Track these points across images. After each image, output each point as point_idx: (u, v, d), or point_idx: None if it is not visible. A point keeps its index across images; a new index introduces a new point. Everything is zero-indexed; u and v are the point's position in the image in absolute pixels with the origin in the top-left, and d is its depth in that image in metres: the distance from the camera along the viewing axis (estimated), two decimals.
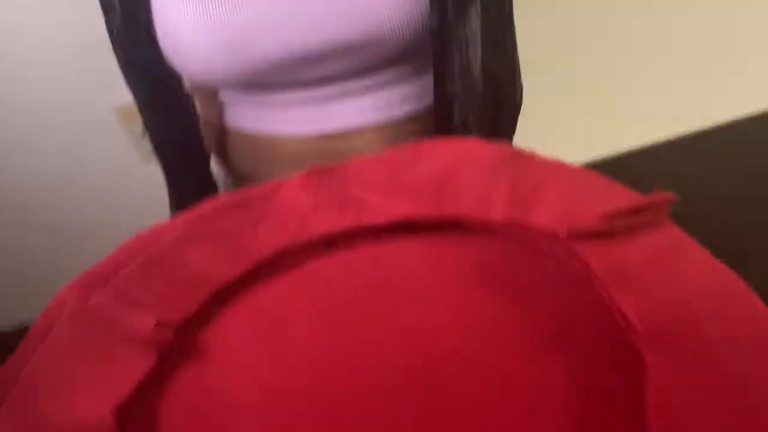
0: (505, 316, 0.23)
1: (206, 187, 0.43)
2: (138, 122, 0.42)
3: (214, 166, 0.45)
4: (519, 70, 0.39)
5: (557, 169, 0.27)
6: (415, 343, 0.23)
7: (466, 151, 0.28)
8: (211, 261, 0.27)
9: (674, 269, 0.22)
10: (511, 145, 0.30)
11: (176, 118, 0.39)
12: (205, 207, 0.30)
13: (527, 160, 0.28)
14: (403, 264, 0.26)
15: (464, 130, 0.37)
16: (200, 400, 0.23)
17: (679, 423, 0.18)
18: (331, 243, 0.28)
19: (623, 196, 0.25)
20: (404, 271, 0.26)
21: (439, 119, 0.37)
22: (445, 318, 0.24)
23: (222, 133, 0.43)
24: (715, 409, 0.18)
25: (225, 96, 0.41)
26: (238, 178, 0.44)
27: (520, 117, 0.41)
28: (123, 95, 0.75)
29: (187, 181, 0.42)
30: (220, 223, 0.28)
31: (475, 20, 0.34)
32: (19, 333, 0.90)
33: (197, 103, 0.42)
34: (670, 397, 0.19)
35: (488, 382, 0.21)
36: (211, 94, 0.43)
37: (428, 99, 0.39)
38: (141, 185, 0.86)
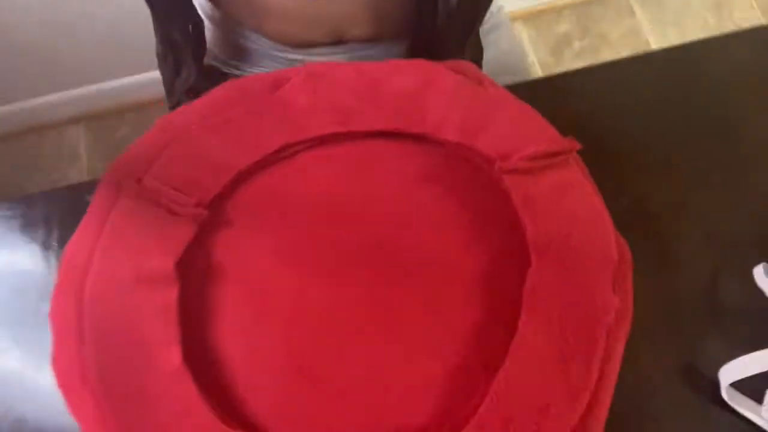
0: (443, 211, 0.33)
1: (191, 18, 0.44)
2: None
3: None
4: None
5: (506, 102, 0.35)
6: (375, 221, 0.33)
7: (432, 76, 0.35)
8: (228, 150, 0.34)
9: (564, 201, 0.32)
10: (475, 70, 0.36)
11: None
12: (218, 95, 0.36)
13: (482, 92, 0.35)
14: (376, 163, 0.35)
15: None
16: (229, 255, 0.33)
17: (542, 300, 0.30)
18: (322, 141, 0.35)
19: (548, 137, 0.33)
20: (376, 169, 0.35)
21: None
22: (399, 208, 0.34)
23: None
24: (567, 292, 0.30)
25: None
26: (225, 16, 0.46)
27: None
28: None
29: (172, 14, 0.43)
30: (232, 114, 0.35)
31: None
32: None
33: None
34: (540, 285, 0.30)
35: (425, 254, 0.32)
36: None
37: None
38: None
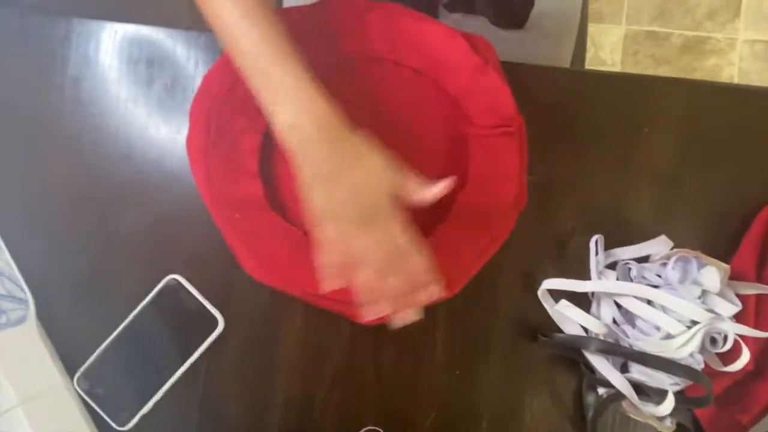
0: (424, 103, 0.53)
1: None
2: None
3: None
4: None
5: (495, 82, 0.52)
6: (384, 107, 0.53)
7: (456, 51, 0.52)
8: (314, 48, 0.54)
9: (498, 155, 0.51)
10: (486, 49, 0.53)
11: None
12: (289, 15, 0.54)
13: (482, 67, 0.52)
14: (390, 80, 0.54)
15: None
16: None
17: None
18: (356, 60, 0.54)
19: (509, 112, 0.52)
20: (388, 81, 0.54)
21: None
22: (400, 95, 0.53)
23: None
24: (484, 197, 0.51)
25: None
26: None
27: None
28: None
29: None
30: (300, 31, 0.54)
31: None
32: None
33: None
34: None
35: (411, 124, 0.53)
36: None
37: None
38: None
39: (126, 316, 0.56)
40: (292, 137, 0.39)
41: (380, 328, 0.54)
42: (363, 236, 0.41)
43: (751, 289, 0.50)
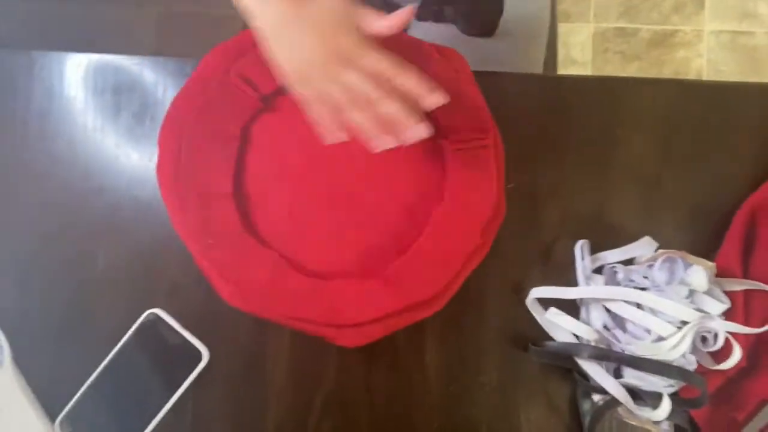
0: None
1: None
2: None
3: None
4: None
5: (466, 94, 0.52)
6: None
7: (428, 65, 0.52)
8: None
9: (474, 170, 0.51)
10: (457, 59, 0.53)
11: None
12: None
13: (455, 78, 0.52)
14: None
15: None
16: (268, 133, 0.53)
17: (444, 217, 0.50)
18: None
19: (482, 124, 0.51)
20: None
21: None
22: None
23: None
24: (458, 223, 0.50)
25: None
26: None
27: None
28: None
29: None
30: None
31: None
32: None
33: None
34: (446, 212, 0.50)
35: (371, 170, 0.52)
36: None
37: None
38: None
39: (106, 355, 0.54)
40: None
41: (370, 350, 0.53)
42: (338, 74, 0.41)
43: (739, 285, 0.50)
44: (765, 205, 0.52)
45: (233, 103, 0.52)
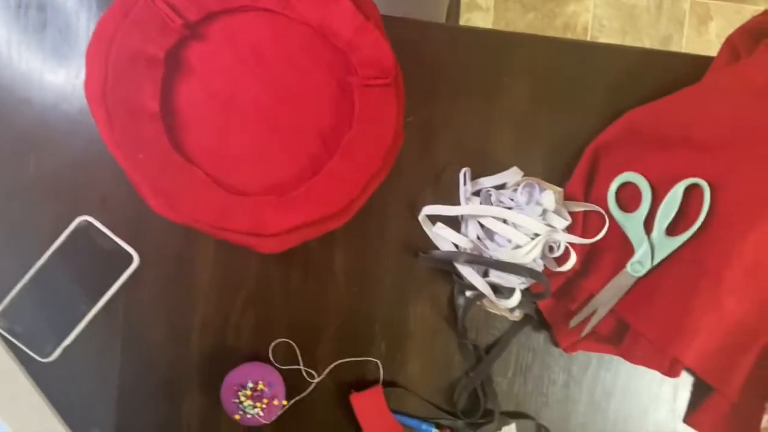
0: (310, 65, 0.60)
1: None
2: None
3: None
4: None
5: (374, 35, 0.60)
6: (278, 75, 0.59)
7: (341, 9, 0.58)
8: None
9: (380, 105, 0.59)
10: (369, 6, 0.60)
11: None
12: None
13: (370, 30, 0.59)
14: (282, 30, 0.60)
15: None
16: (195, 57, 0.57)
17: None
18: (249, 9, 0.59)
19: (388, 64, 0.59)
20: (281, 31, 0.60)
21: None
22: (292, 45, 0.59)
23: None
24: (366, 143, 0.59)
25: None
26: None
27: None
28: None
29: None
30: None
31: None
32: None
33: None
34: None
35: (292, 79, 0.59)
36: None
37: None
38: None
39: (39, 257, 0.59)
40: None
41: (287, 256, 0.62)
42: None
43: (580, 207, 0.64)
44: (605, 146, 0.66)
45: (157, 27, 0.56)
